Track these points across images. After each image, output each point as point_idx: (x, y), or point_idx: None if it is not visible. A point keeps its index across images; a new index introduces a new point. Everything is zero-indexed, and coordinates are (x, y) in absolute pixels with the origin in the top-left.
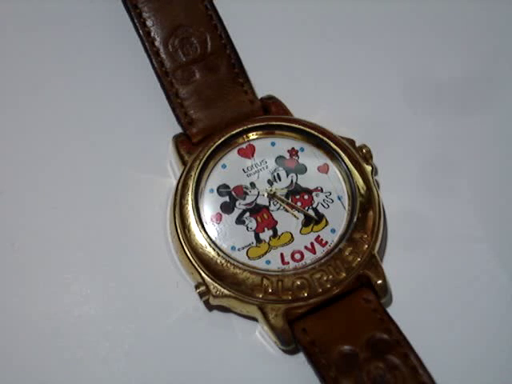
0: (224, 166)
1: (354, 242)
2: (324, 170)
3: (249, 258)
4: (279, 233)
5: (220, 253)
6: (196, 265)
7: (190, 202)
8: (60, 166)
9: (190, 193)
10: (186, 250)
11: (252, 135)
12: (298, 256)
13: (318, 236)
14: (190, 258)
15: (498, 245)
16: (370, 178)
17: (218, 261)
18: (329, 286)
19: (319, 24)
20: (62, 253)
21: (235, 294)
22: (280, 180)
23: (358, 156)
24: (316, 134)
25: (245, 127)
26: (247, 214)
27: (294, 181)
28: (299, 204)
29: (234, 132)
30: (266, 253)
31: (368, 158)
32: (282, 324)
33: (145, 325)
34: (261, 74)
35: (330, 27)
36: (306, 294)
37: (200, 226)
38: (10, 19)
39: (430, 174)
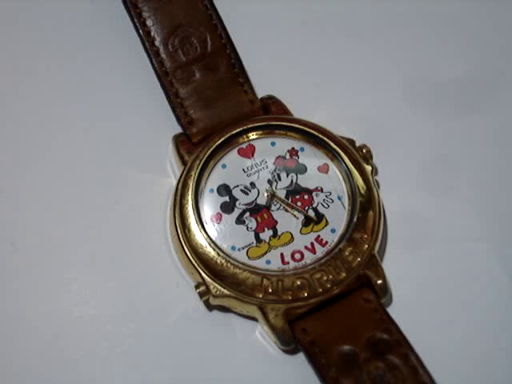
0: (224, 166)
1: (354, 241)
2: (324, 169)
3: (249, 257)
4: (279, 233)
5: (220, 253)
6: (196, 265)
7: (190, 201)
8: (60, 166)
9: (189, 193)
10: (186, 250)
11: (252, 135)
12: (298, 256)
13: (318, 236)
14: (190, 257)
15: (497, 245)
16: (370, 178)
17: (218, 261)
18: (329, 285)
19: (319, 24)
20: (62, 253)
21: (235, 293)
22: (280, 180)
23: (358, 156)
24: (316, 133)
25: (245, 127)
26: (247, 213)
27: (294, 181)
28: (299, 204)
29: (234, 132)
30: (266, 253)
31: (368, 157)
32: (281, 324)
33: (145, 325)
34: (261, 74)
35: (330, 27)
36: (306, 294)
37: (200, 226)
38: (10, 19)
39: (430, 173)
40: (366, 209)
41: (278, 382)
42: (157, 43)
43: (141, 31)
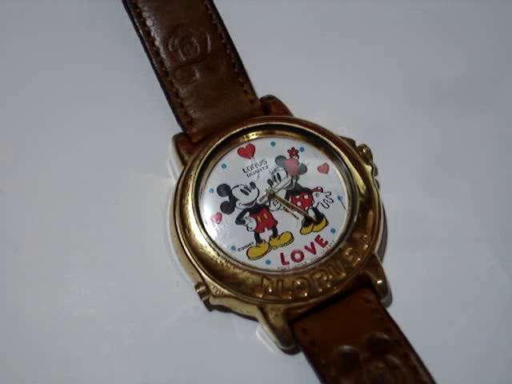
0: (224, 166)
1: (354, 241)
2: (324, 169)
3: (249, 257)
4: (279, 233)
5: (220, 253)
6: (196, 265)
7: (189, 201)
8: (60, 166)
9: (189, 193)
10: (186, 250)
11: (252, 135)
12: (298, 256)
13: (318, 236)
14: (190, 257)
15: (498, 245)
16: (370, 178)
17: (218, 261)
18: (329, 285)
19: (319, 24)
20: (61, 253)
21: (235, 293)
22: (280, 180)
23: (358, 156)
24: (316, 133)
25: (245, 127)
26: (247, 213)
27: (294, 181)
28: (299, 204)
29: (234, 132)
30: (266, 253)
31: (368, 157)
32: (281, 324)
33: (145, 325)
34: (261, 74)
35: (330, 27)
36: (306, 294)
37: (200, 226)
38: (10, 19)
39: (430, 174)
40: (365, 209)
41: (278, 382)
42: (157, 43)
43: (141, 31)
